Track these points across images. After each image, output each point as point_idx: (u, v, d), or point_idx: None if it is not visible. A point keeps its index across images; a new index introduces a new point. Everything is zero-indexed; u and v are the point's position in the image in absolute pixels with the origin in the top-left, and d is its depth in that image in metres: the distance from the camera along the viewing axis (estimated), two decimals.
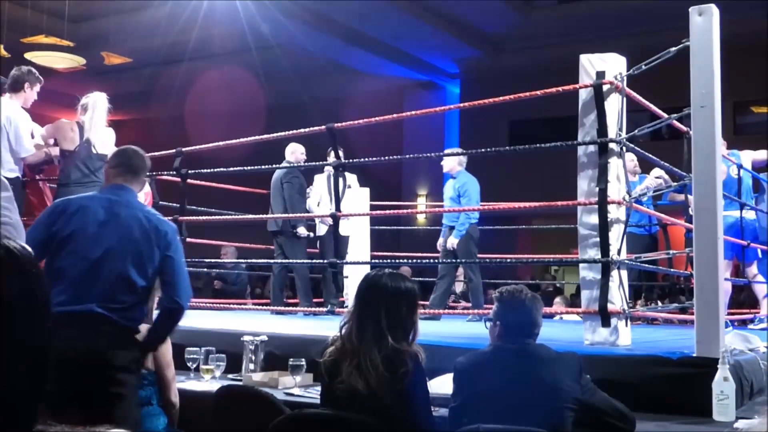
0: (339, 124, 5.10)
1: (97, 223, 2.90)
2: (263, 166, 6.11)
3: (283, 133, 5.66)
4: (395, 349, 2.53)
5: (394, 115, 5.50)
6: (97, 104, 5.25)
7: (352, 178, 7.02)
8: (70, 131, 5.21)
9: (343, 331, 2.65)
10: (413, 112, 5.97)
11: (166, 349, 3.16)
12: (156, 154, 6.16)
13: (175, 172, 5.88)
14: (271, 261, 7.01)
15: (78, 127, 5.23)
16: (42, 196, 5.61)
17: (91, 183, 5.16)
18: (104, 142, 5.28)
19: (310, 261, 6.88)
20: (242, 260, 9.23)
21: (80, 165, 5.18)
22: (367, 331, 2.57)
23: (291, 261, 6.49)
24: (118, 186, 3.06)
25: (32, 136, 5.42)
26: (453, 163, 6.37)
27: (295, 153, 6.83)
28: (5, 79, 5.39)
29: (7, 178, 5.15)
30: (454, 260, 6.26)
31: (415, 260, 6.87)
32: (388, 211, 6.24)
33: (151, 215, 3.04)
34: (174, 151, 5.88)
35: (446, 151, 6.37)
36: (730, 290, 6.02)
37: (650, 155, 4.53)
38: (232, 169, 6.02)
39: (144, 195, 5.96)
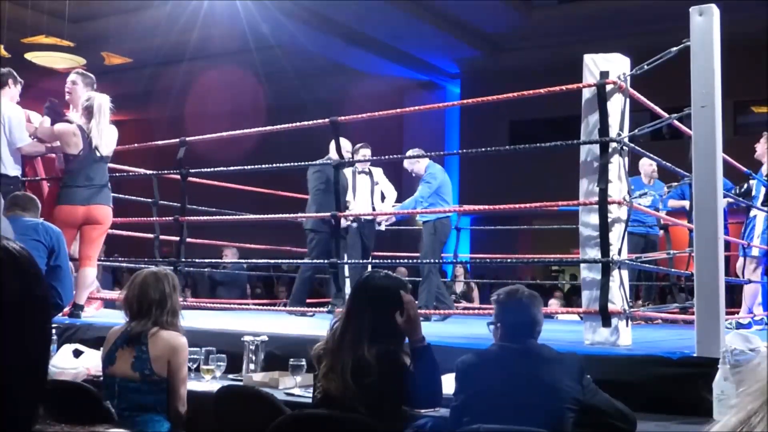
0: (342, 118, 5.10)
1: None
2: (263, 165, 6.10)
3: (284, 126, 5.65)
4: (370, 353, 2.51)
5: (397, 110, 5.51)
6: (102, 108, 5.27)
7: (378, 173, 6.94)
8: (73, 136, 5.22)
9: (334, 327, 2.66)
10: (415, 108, 5.98)
11: (182, 355, 3.12)
12: (159, 143, 6.17)
13: (177, 167, 5.86)
14: (276, 261, 6.98)
15: (80, 131, 5.24)
16: (42, 195, 5.61)
17: (93, 186, 5.18)
18: (107, 144, 5.29)
19: (311, 261, 6.85)
20: (246, 260, 9.23)
21: (84, 169, 5.20)
22: (349, 333, 2.57)
23: (279, 261, 6.46)
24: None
25: (29, 120, 5.44)
26: (419, 165, 6.37)
27: (342, 149, 6.54)
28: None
29: (8, 176, 5.20)
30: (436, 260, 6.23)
31: (414, 261, 6.87)
32: (387, 211, 6.23)
33: None
34: (178, 140, 5.87)
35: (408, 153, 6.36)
36: (759, 289, 6.04)
37: (651, 155, 4.53)
38: (232, 168, 6.01)
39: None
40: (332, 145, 6.44)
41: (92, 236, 5.17)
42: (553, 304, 9.18)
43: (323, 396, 2.54)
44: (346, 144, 6.51)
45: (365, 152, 6.67)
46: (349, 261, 6.33)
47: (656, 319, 6.16)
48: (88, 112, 5.28)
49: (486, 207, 6.57)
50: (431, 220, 6.24)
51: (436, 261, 6.29)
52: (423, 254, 6.25)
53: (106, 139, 5.27)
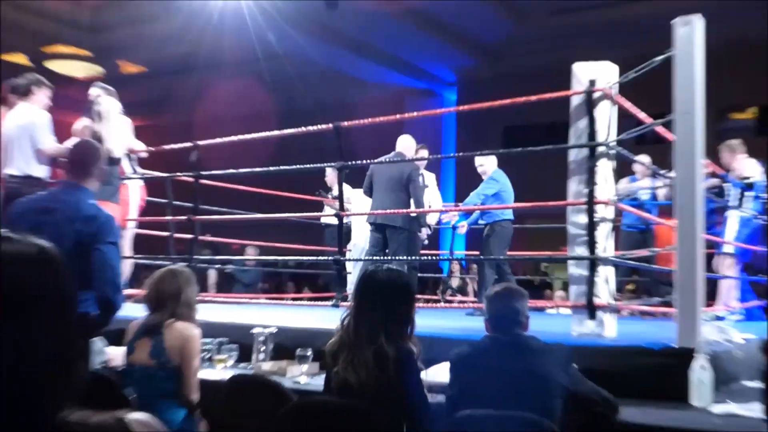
0: (345, 123, 5.13)
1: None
2: (270, 168, 6.12)
3: (290, 131, 5.69)
4: (388, 345, 2.52)
5: (397, 116, 5.52)
6: (110, 113, 5.32)
7: (430, 177, 6.87)
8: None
9: (344, 322, 2.67)
10: (414, 114, 6.00)
11: (193, 344, 3.15)
12: (173, 146, 6.20)
13: (190, 169, 5.90)
14: (300, 258, 6.96)
15: (90, 133, 5.30)
16: None
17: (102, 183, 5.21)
18: (116, 145, 5.32)
19: (308, 258, 6.86)
20: (270, 257, 9.23)
21: None
22: (363, 326, 2.56)
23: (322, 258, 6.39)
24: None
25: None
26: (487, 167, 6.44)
27: (412, 148, 6.29)
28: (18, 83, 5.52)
29: (32, 176, 5.27)
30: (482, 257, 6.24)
31: (413, 257, 6.88)
32: (388, 211, 6.25)
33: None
34: (190, 145, 5.92)
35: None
36: (735, 284, 6.11)
37: (636, 158, 4.54)
38: (242, 170, 6.02)
39: (140, 189, 6.02)
40: (402, 143, 6.21)
41: None
42: (559, 297, 9.18)
43: (342, 387, 2.53)
44: (412, 142, 6.34)
45: (423, 153, 6.62)
46: (352, 258, 6.34)
47: (657, 313, 6.19)
48: (98, 116, 5.34)
49: (480, 207, 6.61)
50: (489, 222, 6.28)
51: (432, 258, 6.29)
52: (481, 253, 6.30)
53: (115, 141, 5.30)
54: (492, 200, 6.25)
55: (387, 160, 6.04)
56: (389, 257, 5.76)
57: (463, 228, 6.60)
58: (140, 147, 6.02)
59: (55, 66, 12.51)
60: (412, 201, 5.97)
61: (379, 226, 6.05)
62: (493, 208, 6.22)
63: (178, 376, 3.10)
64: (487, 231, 6.25)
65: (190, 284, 3.24)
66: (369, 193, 6.14)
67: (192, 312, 3.21)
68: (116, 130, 5.34)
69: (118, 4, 12.52)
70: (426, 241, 6.48)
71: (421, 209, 5.98)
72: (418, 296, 7.44)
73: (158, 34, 12.56)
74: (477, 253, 6.79)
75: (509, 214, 6.33)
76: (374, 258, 5.82)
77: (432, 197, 6.89)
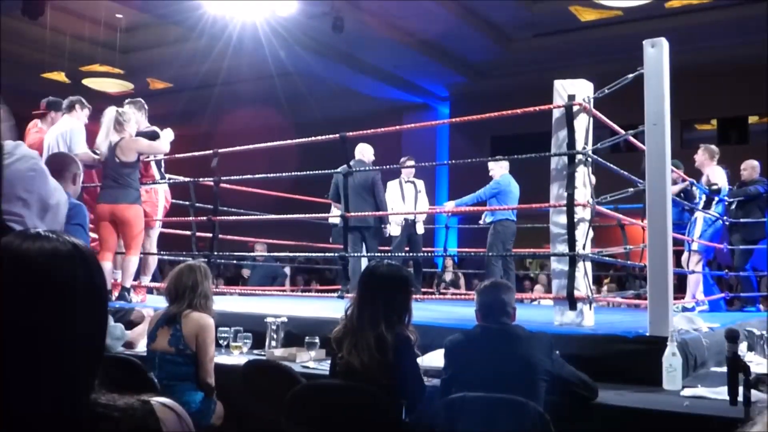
0: (350, 134, 5.11)
1: None
2: (283, 174, 6.07)
3: (300, 140, 5.68)
4: (387, 332, 2.49)
5: (396, 127, 5.54)
6: (105, 120, 5.26)
7: (420, 184, 6.93)
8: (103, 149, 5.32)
9: (348, 312, 2.64)
10: (411, 125, 6.02)
11: (208, 333, 3.12)
12: (196, 154, 6.18)
13: (211, 174, 5.88)
14: (311, 254, 6.92)
15: (109, 143, 5.27)
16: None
17: (116, 186, 5.15)
18: (125, 152, 5.20)
19: (303, 254, 6.82)
20: (275, 254, 9.20)
21: (108, 173, 5.20)
22: (365, 315, 2.54)
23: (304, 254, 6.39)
24: None
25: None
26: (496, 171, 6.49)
27: (370, 154, 6.34)
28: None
29: None
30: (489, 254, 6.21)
31: (411, 254, 6.86)
32: (388, 212, 6.21)
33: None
34: (211, 152, 5.90)
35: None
36: (701, 278, 6.09)
37: (611, 165, 4.51)
38: (257, 176, 6.00)
39: (164, 192, 5.99)
40: (360, 150, 6.24)
41: (126, 233, 5.14)
42: (538, 290, 9.17)
43: (347, 370, 2.50)
44: (369, 149, 6.38)
45: (410, 163, 6.72)
46: (355, 254, 6.30)
47: (630, 304, 6.19)
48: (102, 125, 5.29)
49: (471, 208, 6.59)
50: (493, 221, 6.27)
51: (429, 255, 6.27)
52: (487, 250, 6.29)
53: (123, 146, 5.17)
54: (494, 201, 6.26)
55: (352, 168, 6.03)
56: (390, 254, 5.75)
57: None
58: (167, 140, 5.72)
59: (91, 83, 12.49)
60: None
61: (354, 228, 6.03)
62: (488, 210, 6.25)
63: (195, 362, 3.06)
64: (491, 230, 6.30)
65: (206, 278, 3.20)
66: (336, 198, 6.12)
67: (208, 303, 3.18)
68: (115, 136, 5.22)
69: (147, 28, 12.51)
70: (388, 235, 6.54)
71: (385, 210, 6.06)
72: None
73: (183, 54, 12.55)
74: (469, 250, 6.76)
75: (510, 214, 6.33)
76: (378, 255, 5.80)
77: (421, 201, 6.89)
